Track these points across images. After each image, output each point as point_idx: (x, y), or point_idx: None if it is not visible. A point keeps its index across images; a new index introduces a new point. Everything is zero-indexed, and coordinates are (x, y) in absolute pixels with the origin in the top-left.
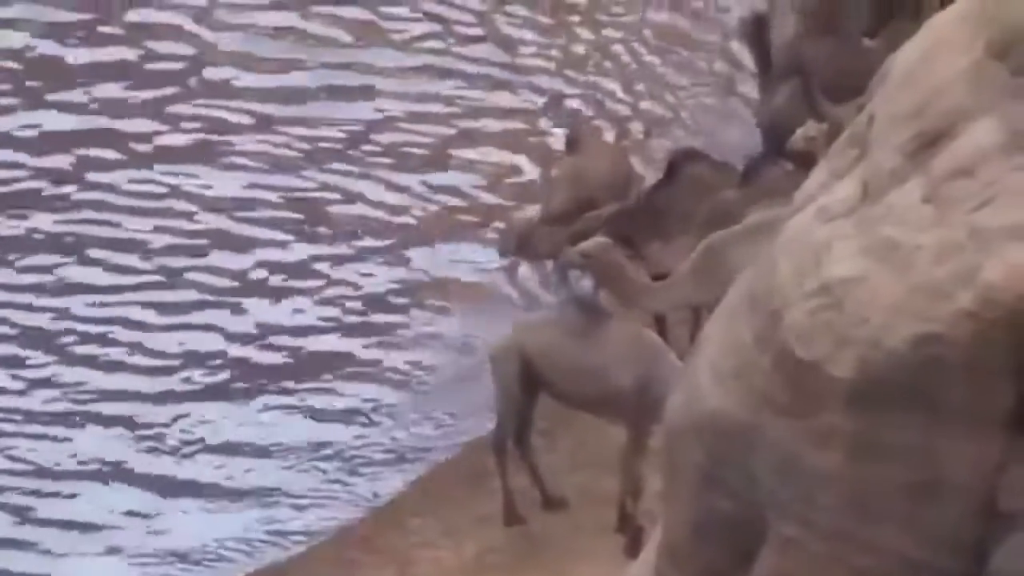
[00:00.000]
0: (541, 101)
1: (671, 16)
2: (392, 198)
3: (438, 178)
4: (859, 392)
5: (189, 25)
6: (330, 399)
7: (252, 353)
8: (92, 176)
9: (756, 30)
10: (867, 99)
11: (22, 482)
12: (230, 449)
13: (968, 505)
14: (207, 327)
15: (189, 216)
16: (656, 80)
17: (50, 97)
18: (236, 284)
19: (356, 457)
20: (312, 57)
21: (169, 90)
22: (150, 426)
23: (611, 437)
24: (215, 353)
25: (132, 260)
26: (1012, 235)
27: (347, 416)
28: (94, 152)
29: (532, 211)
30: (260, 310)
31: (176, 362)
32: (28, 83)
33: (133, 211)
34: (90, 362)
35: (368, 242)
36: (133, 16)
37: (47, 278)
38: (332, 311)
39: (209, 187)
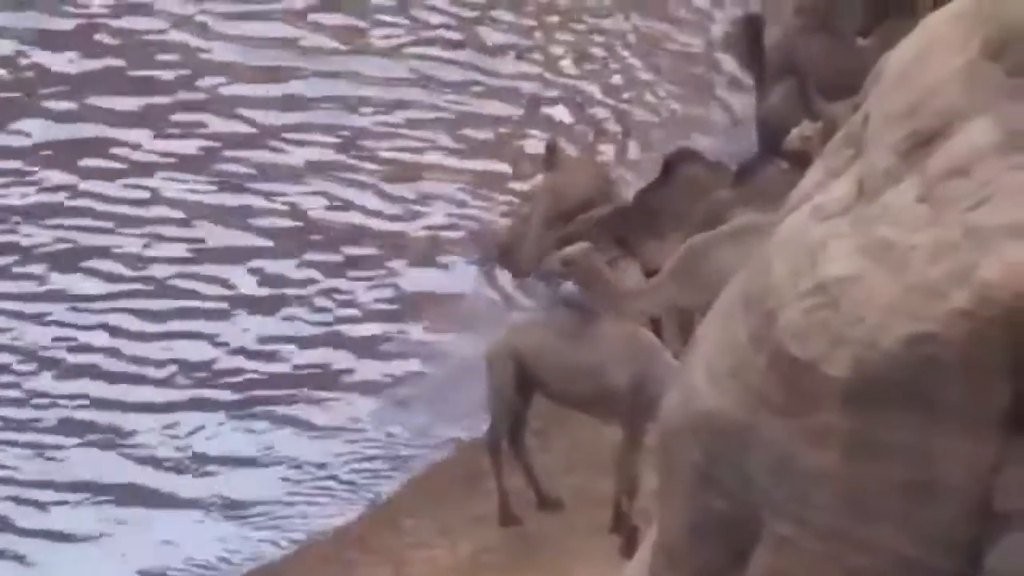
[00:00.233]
0: (523, 109)
1: (654, 21)
2: (380, 206)
3: (425, 187)
4: (855, 391)
5: (181, 34)
6: (322, 407)
7: (243, 363)
8: (84, 185)
9: (750, 30)
10: (862, 98)
11: (7, 491)
12: (221, 459)
13: (963, 505)
14: (198, 336)
15: (180, 225)
16: (637, 84)
17: (41, 105)
18: (227, 293)
19: (349, 462)
20: (302, 66)
21: (161, 99)
22: (140, 435)
23: (606, 437)
24: (206, 362)
25: (123, 269)
26: (1009, 233)
27: (339, 423)
28: (85, 161)
29: (515, 221)
30: (251, 320)
31: (167, 371)
32: (19, 91)
33: (125, 220)
34: (80, 371)
35: (357, 250)
36: (125, 25)
37: (38, 287)
38: (323, 318)
39: (200, 196)
